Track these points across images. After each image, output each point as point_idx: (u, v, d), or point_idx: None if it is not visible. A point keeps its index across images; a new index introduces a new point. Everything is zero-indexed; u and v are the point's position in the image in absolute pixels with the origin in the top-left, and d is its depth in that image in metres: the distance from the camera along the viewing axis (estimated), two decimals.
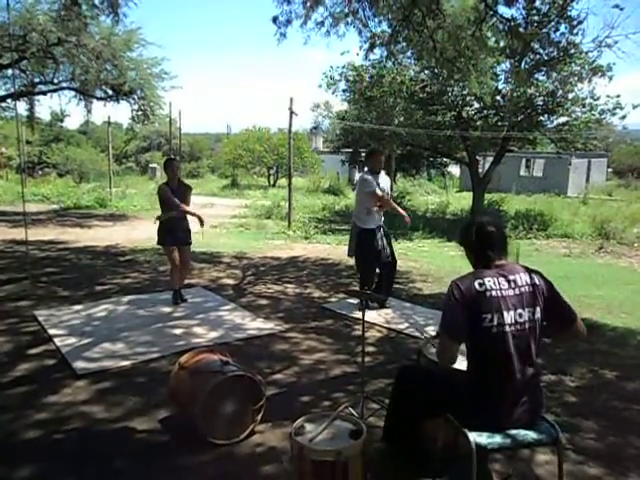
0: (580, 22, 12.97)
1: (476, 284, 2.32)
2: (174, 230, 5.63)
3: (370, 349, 4.71)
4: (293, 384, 3.92)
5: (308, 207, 18.46)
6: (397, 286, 6.94)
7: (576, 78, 13.58)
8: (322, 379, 4.03)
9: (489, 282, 2.32)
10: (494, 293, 2.30)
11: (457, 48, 6.55)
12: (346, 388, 3.86)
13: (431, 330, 5.21)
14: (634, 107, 13.47)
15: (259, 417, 3.17)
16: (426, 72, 13.44)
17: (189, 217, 5.80)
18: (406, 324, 5.41)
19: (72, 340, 4.62)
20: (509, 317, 2.29)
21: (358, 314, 5.65)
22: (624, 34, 13.56)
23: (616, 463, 2.92)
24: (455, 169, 35.97)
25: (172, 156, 5.76)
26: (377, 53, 8.67)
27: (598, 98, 13.68)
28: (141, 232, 11.45)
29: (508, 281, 2.35)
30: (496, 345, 2.30)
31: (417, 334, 5.10)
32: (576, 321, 2.42)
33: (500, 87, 13.84)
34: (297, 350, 4.62)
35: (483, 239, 2.42)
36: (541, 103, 13.64)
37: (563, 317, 2.42)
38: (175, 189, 5.59)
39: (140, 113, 13.73)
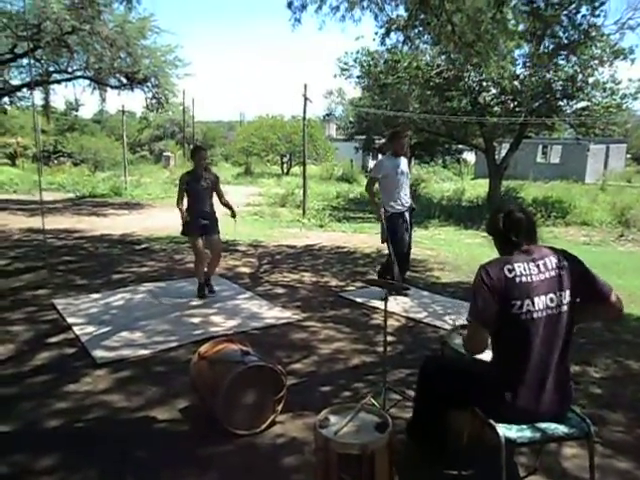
0: (602, 3, 12.64)
1: (505, 270, 2.25)
2: (200, 219, 5.51)
3: (389, 338, 4.63)
4: (312, 374, 3.89)
5: (322, 195, 18.38)
6: (414, 274, 6.88)
7: (597, 62, 13.27)
8: (341, 369, 3.99)
9: (519, 267, 2.25)
10: (524, 279, 2.23)
11: (477, 32, 6.38)
12: (366, 378, 3.82)
13: (449, 319, 5.14)
14: None
15: (279, 408, 3.14)
16: (442, 57, 13.22)
17: (216, 206, 5.71)
18: (425, 313, 5.35)
19: (91, 329, 4.63)
20: (540, 303, 2.22)
21: (376, 303, 5.60)
22: None
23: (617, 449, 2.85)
24: (470, 156, 35.59)
25: (199, 144, 5.65)
26: (393, 38, 8.55)
27: (620, 82, 13.39)
28: (156, 220, 11.48)
29: (537, 265, 2.27)
30: (525, 333, 2.23)
31: (436, 323, 5.03)
32: (611, 293, 2.32)
33: (518, 72, 13.60)
34: (315, 339, 4.58)
35: (511, 226, 2.34)
36: (560, 88, 13.37)
37: (595, 292, 2.32)
38: (200, 177, 5.48)
39: (154, 101, 13.71)
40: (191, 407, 3.37)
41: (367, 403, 2.47)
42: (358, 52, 14.30)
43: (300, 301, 5.68)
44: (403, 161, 5.62)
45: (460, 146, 31.98)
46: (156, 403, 3.42)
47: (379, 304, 5.59)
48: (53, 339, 4.47)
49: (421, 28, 7.36)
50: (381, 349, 4.36)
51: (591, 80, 13.40)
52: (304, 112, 12.66)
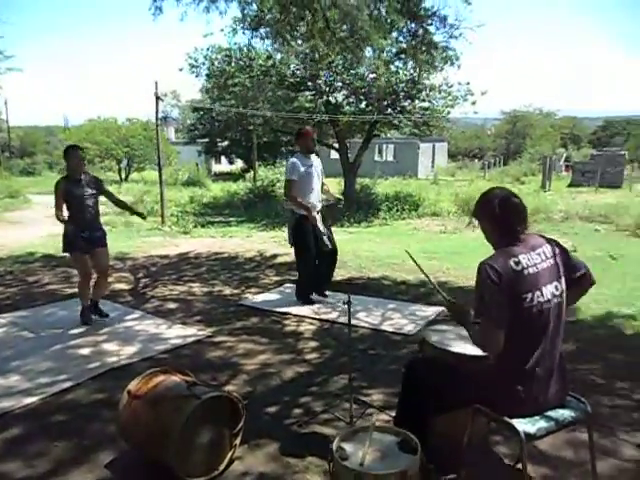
0: (434, 14, 13.77)
1: (512, 263, 2.13)
2: (85, 230, 4.64)
3: (312, 344, 4.39)
4: (250, 394, 3.44)
5: (173, 201, 17.32)
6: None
7: (430, 67, 14.47)
8: (279, 384, 3.62)
9: (524, 259, 2.15)
10: (531, 270, 2.13)
11: (352, 28, 6.40)
12: (309, 390, 3.50)
13: (364, 316, 5.04)
14: (482, 93, 14.78)
15: (238, 441, 2.68)
16: (293, 57, 13.23)
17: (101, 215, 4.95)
18: (335, 313, 5.16)
19: None
20: (547, 292, 2.15)
21: (283, 308, 5.29)
22: (470, 27, 14.79)
23: (599, 424, 2.98)
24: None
25: (72, 143, 4.63)
26: (260, 33, 8.26)
27: (452, 85, 14.72)
28: None
29: (538, 254, 2.20)
30: (535, 324, 2.14)
31: (352, 322, 4.87)
32: (591, 276, 2.34)
33: (364, 73, 14.21)
34: (235, 355, 4.12)
35: (510, 212, 2.22)
36: (403, 90, 14.28)
37: (580, 275, 2.32)
38: (80, 182, 4.64)
39: None
40: (119, 460, 2.74)
41: (337, 416, 2.17)
42: (209, 49, 13.69)
43: (199, 315, 5.12)
44: (315, 159, 5.28)
45: None
46: (71, 463, 2.71)
47: (287, 309, 5.29)
48: None
49: (293, 23, 7.18)
50: (310, 357, 4.14)
51: (427, 83, 14.55)
52: (157, 112, 11.75)
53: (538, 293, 2.13)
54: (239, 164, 34.87)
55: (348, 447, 1.95)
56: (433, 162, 32.15)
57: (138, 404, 2.59)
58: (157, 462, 2.54)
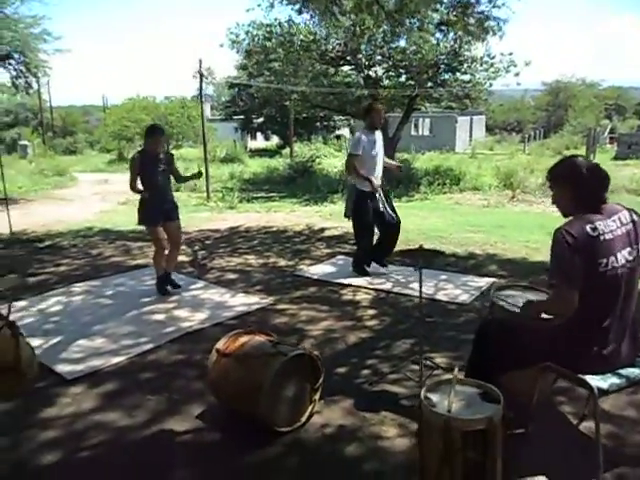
0: None
1: (588, 229, 2.23)
2: (158, 203, 4.89)
3: (370, 312, 4.58)
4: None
5: (214, 177, 17.67)
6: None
7: (471, 37, 14.17)
8: (344, 348, 3.82)
9: (600, 225, 2.24)
10: (607, 236, 2.23)
11: (403, 0, 6.40)
12: (374, 354, 3.70)
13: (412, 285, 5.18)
14: (526, 64, 14.38)
15: (317, 397, 2.90)
16: (341, 31, 13.15)
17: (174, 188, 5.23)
18: (389, 284, 5.32)
19: (38, 341, 3.91)
20: (622, 258, 2.25)
21: (336, 279, 5.47)
22: None
23: None
24: (345, 132, 36.53)
25: (155, 123, 4.78)
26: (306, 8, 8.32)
27: (494, 57, 14.41)
28: (44, 215, 10.19)
29: (614, 221, 2.29)
30: (611, 289, 2.25)
31: (406, 292, 5.02)
32: None
33: (404, 46, 14.04)
34: (299, 322, 4.35)
35: (598, 179, 2.31)
36: (444, 62, 14.07)
37: None
38: (157, 159, 4.86)
39: (22, 81, 12.00)
40: (209, 412, 3.00)
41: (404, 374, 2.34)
42: (250, 25, 13.75)
43: (259, 284, 5.37)
44: (379, 135, 5.33)
45: (339, 122, 32.75)
46: (165, 414, 2.99)
47: (342, 280, 5.48)
48: None
49: None
50: (370, 323, 4.32)
51: (468, 54, 14.27)
52: (200, 89, 11.98)
53: (613, 258, 2.22)
54: (274, 140, 35.06)
55: (434, 397, 2.13)
56: (471, 136, 31.61)
57: (227, 361, 2.82)
58: (246, 414, 2.79)
